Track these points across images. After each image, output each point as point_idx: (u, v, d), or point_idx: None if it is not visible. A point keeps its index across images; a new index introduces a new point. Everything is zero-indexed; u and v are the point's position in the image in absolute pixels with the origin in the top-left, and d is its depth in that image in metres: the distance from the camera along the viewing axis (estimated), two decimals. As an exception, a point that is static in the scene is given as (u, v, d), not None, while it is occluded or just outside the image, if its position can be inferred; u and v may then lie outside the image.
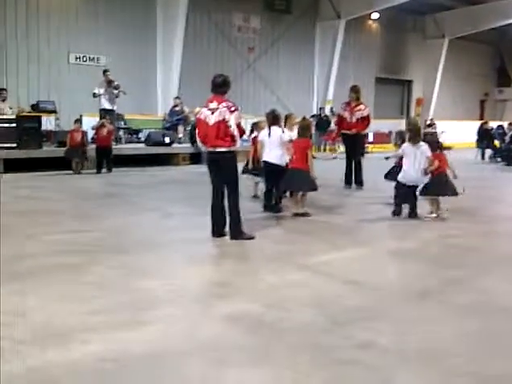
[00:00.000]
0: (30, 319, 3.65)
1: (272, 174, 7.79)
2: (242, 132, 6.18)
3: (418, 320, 3.82)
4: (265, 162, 7.88)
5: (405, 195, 7.70)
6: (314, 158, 7.94)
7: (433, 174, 7.48)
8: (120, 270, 4.88)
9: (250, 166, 8.53)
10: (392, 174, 8.25)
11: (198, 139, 6.25)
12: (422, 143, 7.58)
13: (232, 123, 5.93)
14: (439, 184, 7.51)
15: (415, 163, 7.47)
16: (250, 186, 8.96)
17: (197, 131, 6.23)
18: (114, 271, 4.83)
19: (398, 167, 7.98)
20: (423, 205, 7.63)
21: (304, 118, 8.63)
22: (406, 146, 7.64)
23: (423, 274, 5.09)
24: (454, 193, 7.53)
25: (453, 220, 7.49)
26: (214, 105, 6.00)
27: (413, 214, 7.56)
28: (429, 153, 7.45)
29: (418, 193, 7.56)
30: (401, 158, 7.82)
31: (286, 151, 7.67)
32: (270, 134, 7.80)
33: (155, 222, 7.18)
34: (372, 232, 6.99)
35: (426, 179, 7.50)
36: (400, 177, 7.66)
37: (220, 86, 6.11)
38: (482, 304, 4.17)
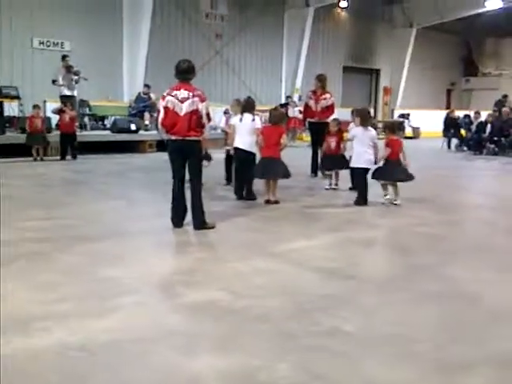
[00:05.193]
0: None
1: (243, 161, 7.73)
2: (209, 120, 6.09)
3: (385, 307, 3.83)
4: (236, 148, 7.81)
5: (355, 179, 7.84)
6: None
7: (386, 159, 7.53)
8: (85, 257, 4.81)
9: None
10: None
11: (160, 127, 6.06)
12: (370, 128, 7.67)
13: (204, 113, 5.83)
14: (392, 169, 7.49)
15: (364, 147, 7.53)
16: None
17: (160, 119, 5.95)
18: (79, 259, 4.76)
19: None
20: (376, 189, 7.71)
21: (275, 108, 8.62)
22: (356, 129, 7.71)
23: (390, 261, 5.13)
24: (408, 178, 7.51)
25: (416, 208, 7.55)
26: (183, 93, 5.79)
27: (361, 201, 7.48)
28: (375, 139, 7.58)
29: (369, 176, 7.60)
30: None
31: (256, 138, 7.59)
32: (241, 119, 7.76)
33: (120, 210, 7.11)
34: (340, 220, 6.95)
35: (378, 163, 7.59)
36: (352, 161, 7.74)
37: (186, 73, 5.89)
38: (446, 291, 4.19)
